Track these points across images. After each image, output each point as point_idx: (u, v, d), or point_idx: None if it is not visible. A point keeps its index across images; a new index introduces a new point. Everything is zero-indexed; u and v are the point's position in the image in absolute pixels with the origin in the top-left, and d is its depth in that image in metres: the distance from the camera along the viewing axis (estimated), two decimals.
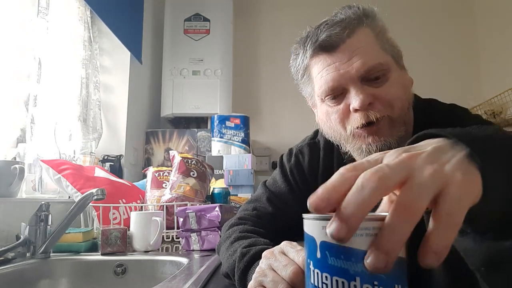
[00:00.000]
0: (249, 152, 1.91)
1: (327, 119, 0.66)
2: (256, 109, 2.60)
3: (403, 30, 2.62)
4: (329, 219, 0.25)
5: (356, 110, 0.60)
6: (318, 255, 0.26)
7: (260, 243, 0.58)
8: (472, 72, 2.60)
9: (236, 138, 1.92)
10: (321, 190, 0.26)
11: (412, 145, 0.32)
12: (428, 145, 0.31)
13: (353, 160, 0.74)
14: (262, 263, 0.46)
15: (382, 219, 0.25)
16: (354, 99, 0.60)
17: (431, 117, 0.65)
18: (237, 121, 1.94)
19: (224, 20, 2.36)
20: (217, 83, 2.25)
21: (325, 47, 0.62)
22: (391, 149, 0.65)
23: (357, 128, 0.61)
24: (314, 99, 0.69)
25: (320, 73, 0.63)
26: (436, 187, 0.26)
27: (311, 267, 0.27)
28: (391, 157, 0.29)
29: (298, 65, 0.68)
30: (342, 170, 0.27)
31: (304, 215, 0.29)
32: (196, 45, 2.29)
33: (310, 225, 0.28)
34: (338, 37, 0.61)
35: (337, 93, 0.63)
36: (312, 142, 0.79)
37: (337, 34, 0.61)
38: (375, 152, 0.62)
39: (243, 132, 1.93)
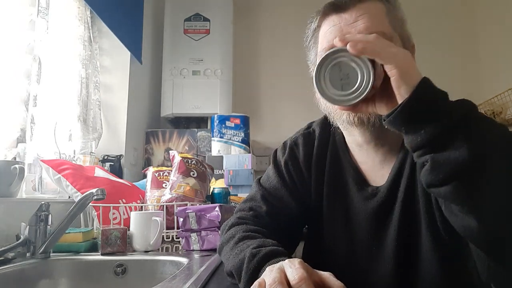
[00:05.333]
0: (249, 152, 1.91)
1: None
2: (256, 109, 2.60)
3: None
4: None
5: None
6: None
7: (269, 244, 0.58)
8: (472, 72, 2.59)
9: (236, 138, 1.92)
10: None
11: None
12: None
13: (345, 145, 0.74)
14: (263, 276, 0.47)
15: None
16: None
17: None
18: (237, 121, 1.94)
19: (224, 20, 2.36)
20: (217, 83, 2.25)
21: (336, 6, 0.65)
22: (370, 122, 0.63)
23: None
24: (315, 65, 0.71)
25: (325, 33, 0.66)
26: None
27: None
28: None
29: (310, 28, 0.71)
30: None
31: None
32: (196, 45, 2.29)
33: None
34: (350, 0, 0.64)
35: None
36: (306, 132, 0.79)
37: None
38: (355, 124, 0.62)
39: (243, 132, 1.93)
